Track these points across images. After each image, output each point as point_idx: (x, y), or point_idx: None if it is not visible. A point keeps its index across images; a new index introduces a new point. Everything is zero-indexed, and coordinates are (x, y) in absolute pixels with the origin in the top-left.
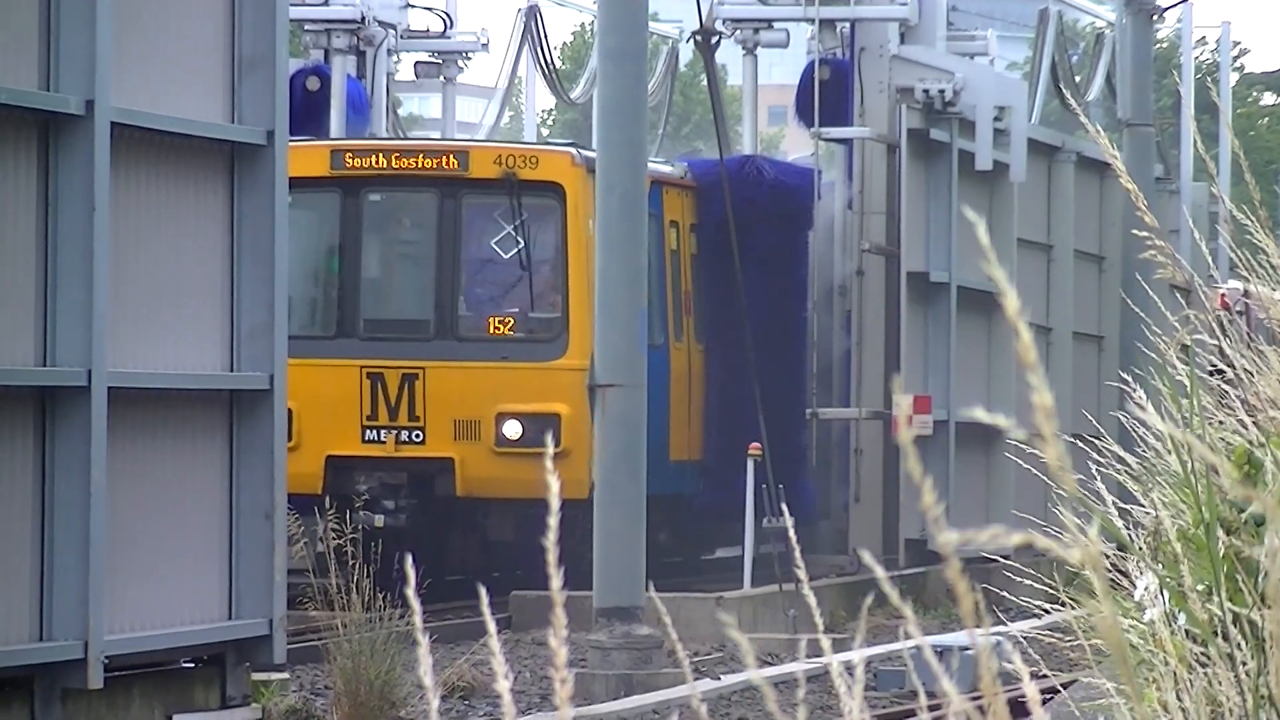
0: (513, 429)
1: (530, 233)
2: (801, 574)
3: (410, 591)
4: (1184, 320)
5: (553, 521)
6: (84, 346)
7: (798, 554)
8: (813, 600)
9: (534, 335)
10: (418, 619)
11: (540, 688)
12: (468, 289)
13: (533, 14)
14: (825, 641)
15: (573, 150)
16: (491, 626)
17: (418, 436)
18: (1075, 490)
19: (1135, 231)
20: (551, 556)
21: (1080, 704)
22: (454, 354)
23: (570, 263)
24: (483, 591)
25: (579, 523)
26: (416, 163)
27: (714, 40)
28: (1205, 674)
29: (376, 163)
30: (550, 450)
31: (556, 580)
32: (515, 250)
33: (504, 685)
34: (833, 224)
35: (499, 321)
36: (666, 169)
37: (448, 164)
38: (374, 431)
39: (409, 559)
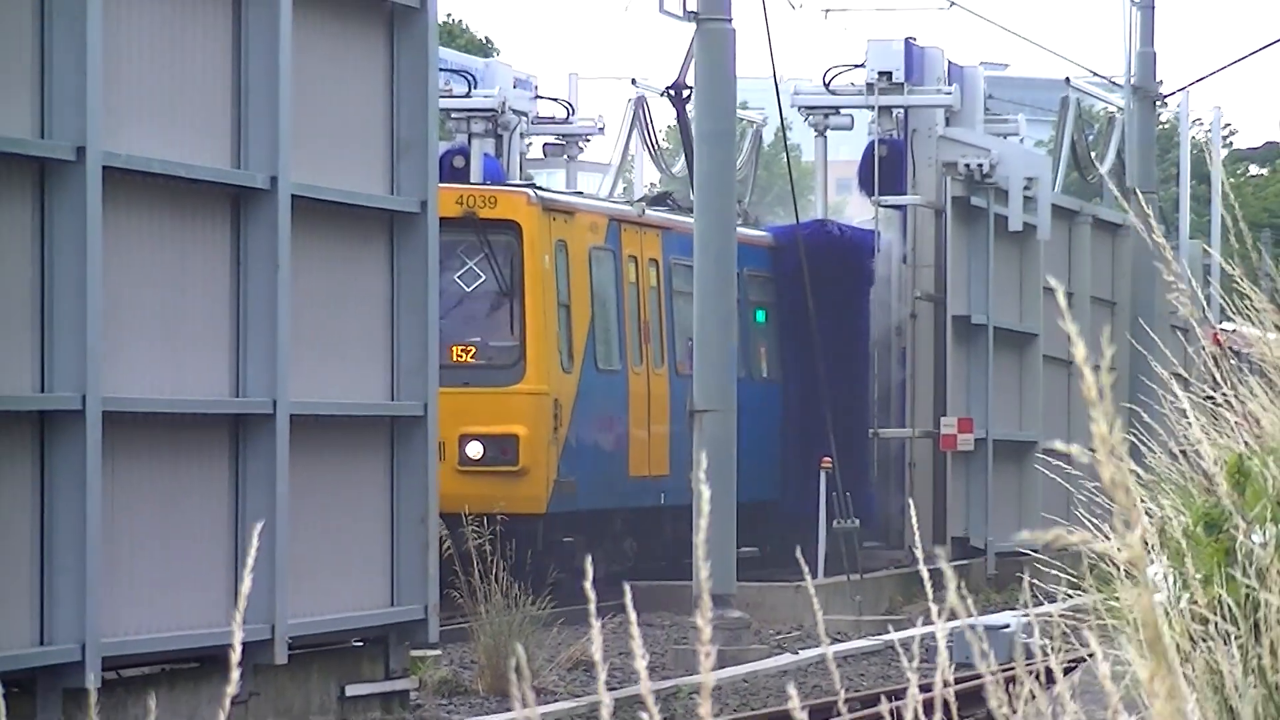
0: (475, 449)
1: (490, 267)
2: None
3: (587, 584)
4: (1184, 357)
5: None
6: (270, 380)
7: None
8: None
9: (493, 362)
10: (593, 605)
11: (652, 662)
12: None
13: (641, 103)
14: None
15: (529, 190)
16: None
17: None
18: (1127, 503)
19: (1166, 278)
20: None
21: (1102, 676)
22: None
23: (527, 294)
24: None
25: (539, 535)
26: None
27: (685, 95)
28: (1206, 647)
29: None
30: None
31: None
32: (476, 283)
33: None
34: (890, 276)
35: (461, 350)
36: (626, 209)
37: None
38: None
39: (588, 558)
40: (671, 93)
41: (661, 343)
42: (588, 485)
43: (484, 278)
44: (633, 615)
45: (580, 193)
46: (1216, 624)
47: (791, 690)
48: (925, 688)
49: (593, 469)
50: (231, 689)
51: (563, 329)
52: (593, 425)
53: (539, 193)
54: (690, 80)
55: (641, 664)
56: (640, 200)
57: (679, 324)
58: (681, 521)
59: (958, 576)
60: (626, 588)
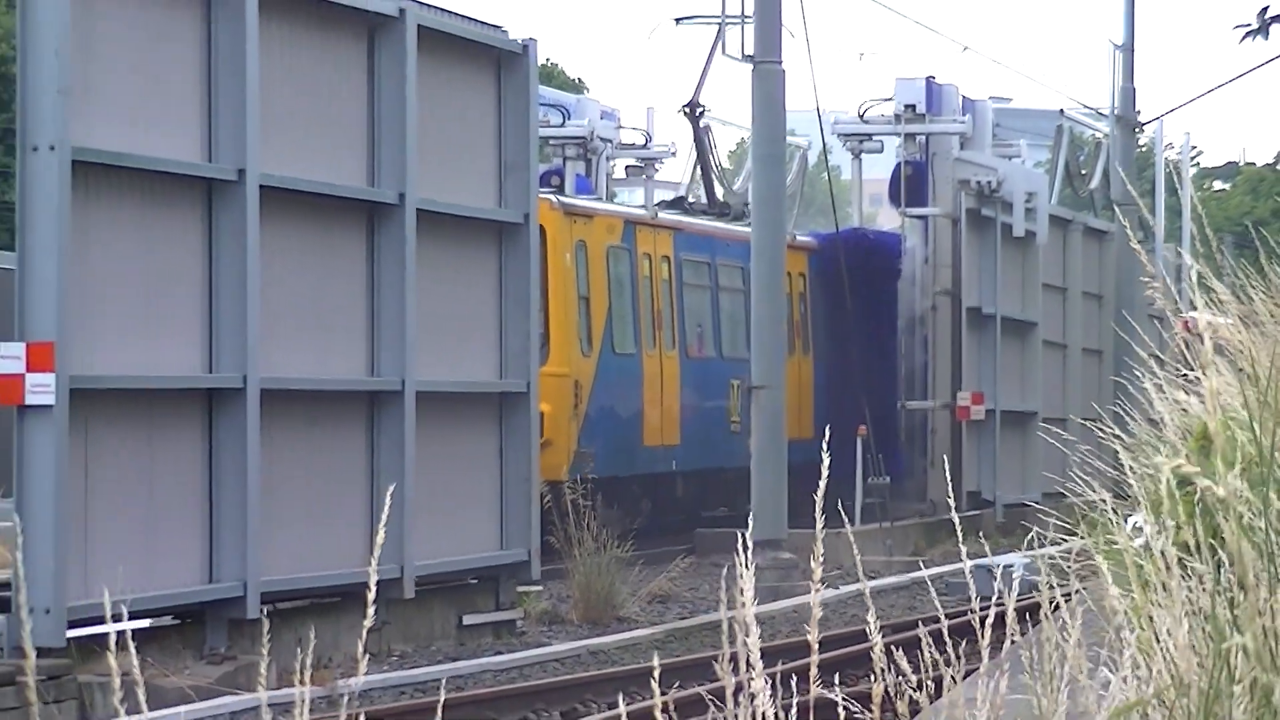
0: None
1: None
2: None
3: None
4: (1160, 341)
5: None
6: (400, 363)
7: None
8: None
9: None
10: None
11: (716, 595)
12: None
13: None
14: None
15: (552, 197)
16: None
17: None
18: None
19: (1142, 278)
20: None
21: (1097, 602)
22: None
23: (551, 288)
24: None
25: (560, 499)
26: None
27: (699, 113)
28: (1185, 583)
29: None
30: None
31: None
32: None
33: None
34: (914, 274)
35: None
36: (640, 212)
37: None
38: None
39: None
40: (687, 110)
41: (673, 329)
42: (605, 454)
43: None
44: (745, 553)
45: (599, 198)
46: (1192, 562)
47: (870, 617)
48: (950, 616)
49: (610, 440)
50: (368, 622)
51: (582, 318)
52: (610, 402)
53: (560, 199)
54: (703, 99)
55: (749, 590)
56: (656, 204)
57: (688, 312)
58: (692, 485)
59: (971, 524)
60: (743, 536)
